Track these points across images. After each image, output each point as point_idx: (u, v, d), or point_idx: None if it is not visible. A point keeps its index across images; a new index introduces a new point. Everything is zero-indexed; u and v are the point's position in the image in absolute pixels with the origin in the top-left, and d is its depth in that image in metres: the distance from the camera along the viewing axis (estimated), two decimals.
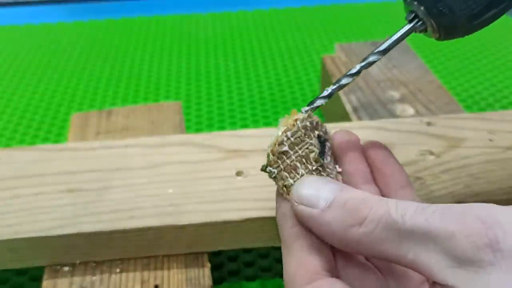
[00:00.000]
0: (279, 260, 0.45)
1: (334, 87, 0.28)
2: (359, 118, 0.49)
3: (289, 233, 0.24)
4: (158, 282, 0.34)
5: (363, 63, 0.28)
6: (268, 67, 0.77)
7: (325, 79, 0.61)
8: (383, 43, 0.28)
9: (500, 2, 0.26)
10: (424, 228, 0.20)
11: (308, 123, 0.26)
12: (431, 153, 0.40)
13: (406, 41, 0.68)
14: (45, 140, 0.62)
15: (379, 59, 0.28)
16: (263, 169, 0.26)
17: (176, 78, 0.75)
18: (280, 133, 0.26)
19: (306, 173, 0.25)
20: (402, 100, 0.52)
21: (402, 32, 0.28)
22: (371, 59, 0.28)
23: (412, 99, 0.52)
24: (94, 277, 0.35)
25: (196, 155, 0.40)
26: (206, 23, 0.92)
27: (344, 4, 1.00)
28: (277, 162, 0.25)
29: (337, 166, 0.28)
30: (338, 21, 0.93)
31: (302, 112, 0.27)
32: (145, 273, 0.35)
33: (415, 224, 0.20)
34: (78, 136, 0.50)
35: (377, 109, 0.50)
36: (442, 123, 0.43)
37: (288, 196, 0.25)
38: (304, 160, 0.26)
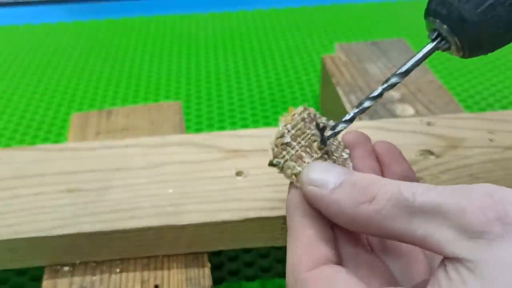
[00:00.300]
0: (279, 260, 0.45)
1: (357, 110, 0.28)
2: (359, 118, 0.49)
3: (299, 222, 0.24)
4: (158, 282, 0.35)
5: (384, 85, 0.27)
6: (268, 67, 0.77)
7: (325, 79, 0.61)
8: (405, 64, 0.27)
9: None
10: (435, 204, 0.20)
11: (305, 115, 0.27)
12: (431, 153, 0.40)
13: (406, 41, 0.68)
14: (45, 140, 0.62)
15: (401, 81, 0.27)
16: (270, 163, 0.26)
17: (176, 78, 0.75)
18: (280, 128, 0.27)
19: (312, 161, 0.26)
20: (402, 100, 0.52)
21: (425, 51, 0.27)
22: (393, 80, 0.27)
23: (412, 99, 0.52)
24: (94, 277, 0.35)
25: (196, 155, 0.40)
26: (206, 23, 0.92)
27: (344, 4, 1.00)
28: (282, 152, 0.26)
29: (344, 154, 0.29)
30: (338, 21, 0.93)
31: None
32: (145, 273, 0.35)
33: (425, 201, 0.20)
34: (78, 136, 0.50)
35: (377, 109, 0.50)
36: (442, 123, 0.43)
37: (298, 183, 0.25)
38: (308, 149, 0.26)
